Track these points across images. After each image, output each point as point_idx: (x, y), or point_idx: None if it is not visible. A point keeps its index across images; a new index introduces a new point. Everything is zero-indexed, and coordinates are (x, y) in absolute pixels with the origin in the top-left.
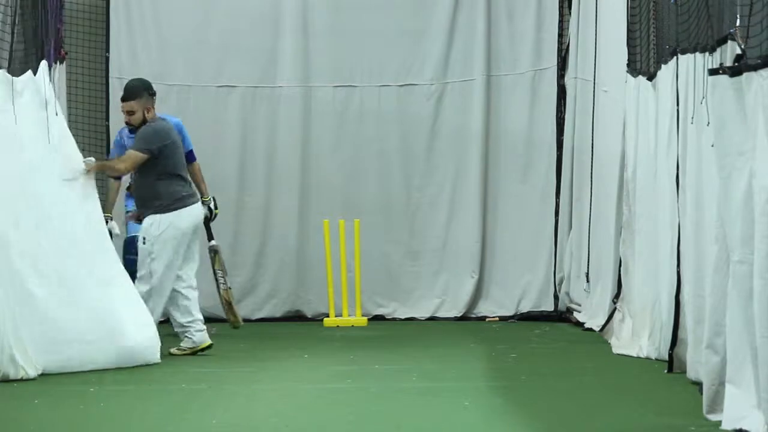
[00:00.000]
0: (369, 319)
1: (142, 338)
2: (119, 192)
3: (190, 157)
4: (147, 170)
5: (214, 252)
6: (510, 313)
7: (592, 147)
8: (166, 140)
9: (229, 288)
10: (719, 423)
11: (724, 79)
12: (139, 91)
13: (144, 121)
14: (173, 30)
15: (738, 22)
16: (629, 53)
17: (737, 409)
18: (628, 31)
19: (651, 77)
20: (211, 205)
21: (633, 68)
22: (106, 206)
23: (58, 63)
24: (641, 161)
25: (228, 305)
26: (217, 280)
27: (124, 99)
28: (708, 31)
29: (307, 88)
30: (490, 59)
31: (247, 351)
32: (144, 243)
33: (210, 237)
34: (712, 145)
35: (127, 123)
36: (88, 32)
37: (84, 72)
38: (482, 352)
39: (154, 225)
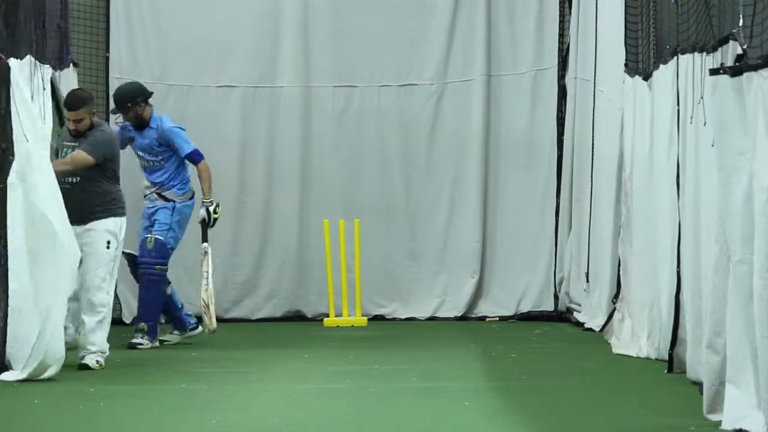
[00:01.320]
0: (369, 319)
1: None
2: None
3: (194, 157)
4: (99, 173)
5: (204, 253)
6: (510, 313)
7: (593, 147)
8: (115, 148)
9: (208, 289)
10: (719, 423)
11: (724, 79)
12: (84, 98)
13: (91, 126)
14: (173, 30)
15: (741, 22)
16: (627, 53)
17: (737, 409)
18: (626, 30)
19: (647, 77)
20: (210, 208)
21: (630, 68)
22: None
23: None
24: (638, 161)
25: (206, 307)
26: (202, 280)
27: (71, 108)
28: (708, 31)
29: (307, 88)
30: (490, 59)
31: (247, 351)
32: (108, 247)
33: (204, 239)
34: (712, 145)
35: (73, 130)
36: (88, 32)
37: (84, 72)
38: (482, 352)
39: (116, 228)
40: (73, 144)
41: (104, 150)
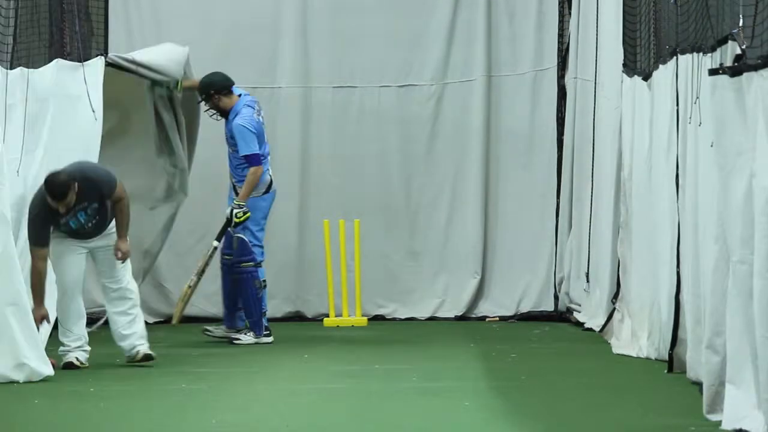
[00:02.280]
0: (369, 319)
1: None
2: None
3: (249, 160)
4: (104, 203)
5: (209, 249)
6: (510, 313)
7: (593, 147)
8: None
9: (189, 286)
10: (719, 423)
11: (724, 79)
12: (67, 184)
13: (79, 193)
14: (172, 31)
15: (741, 22)
16: (625, 53)
17: (737, 409)
18: (624, 30)
19: (646, 77)
20: (235, 211)
21: (629, 68)
22: None
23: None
24: (638, 161)
25: (180, 301)
26: (194, 275)
27: (59, 199)
28: (708, 31)
29: (306, 88)
30: (490, 60)
31: (247, 351)
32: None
33: (217, 237)
34: (711, 145)
35: (66, 213)
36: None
37: None
38: (482, 352)
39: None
40: (82, 207)
41: (115, 179)
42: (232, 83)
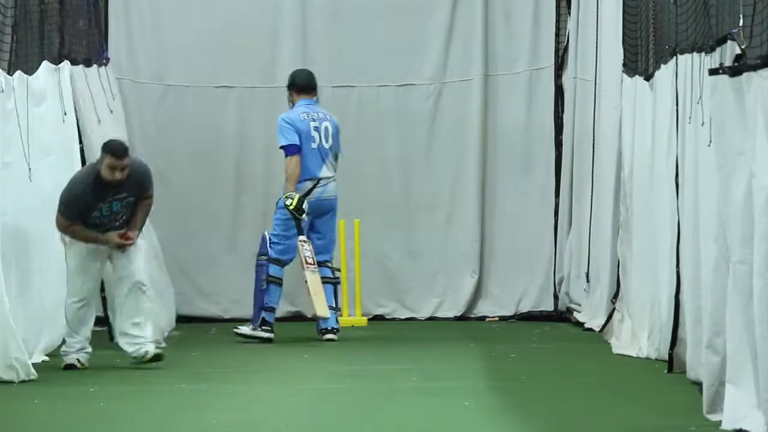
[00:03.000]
0: (369, 319)
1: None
2: None
3: (285, 150)
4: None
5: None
6: (510, 313)
7: (593, 147)
8: None
9: (305, 281)
10: (719, 423)
11: (724, 79)
12: (125, 145)
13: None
14: (172, 30)
15: (741, 22)
16: (625, 53)
17: (737, 409)
18: (624, 30)
19: (648, 77)
20: (285, 202)
21: (630, 68)
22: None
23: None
24: (638, 161)
25: (313, 294)
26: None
27: (121, 156)
28: (707, 31)
29: None
30: (487, 59)
31: (247, 351)
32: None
33: (299, 232)
34: (709, 145)
35: (117, 180)
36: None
37: None
38: (482, 352)
39: None
40: (121, 197)
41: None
42: (309, 86)
